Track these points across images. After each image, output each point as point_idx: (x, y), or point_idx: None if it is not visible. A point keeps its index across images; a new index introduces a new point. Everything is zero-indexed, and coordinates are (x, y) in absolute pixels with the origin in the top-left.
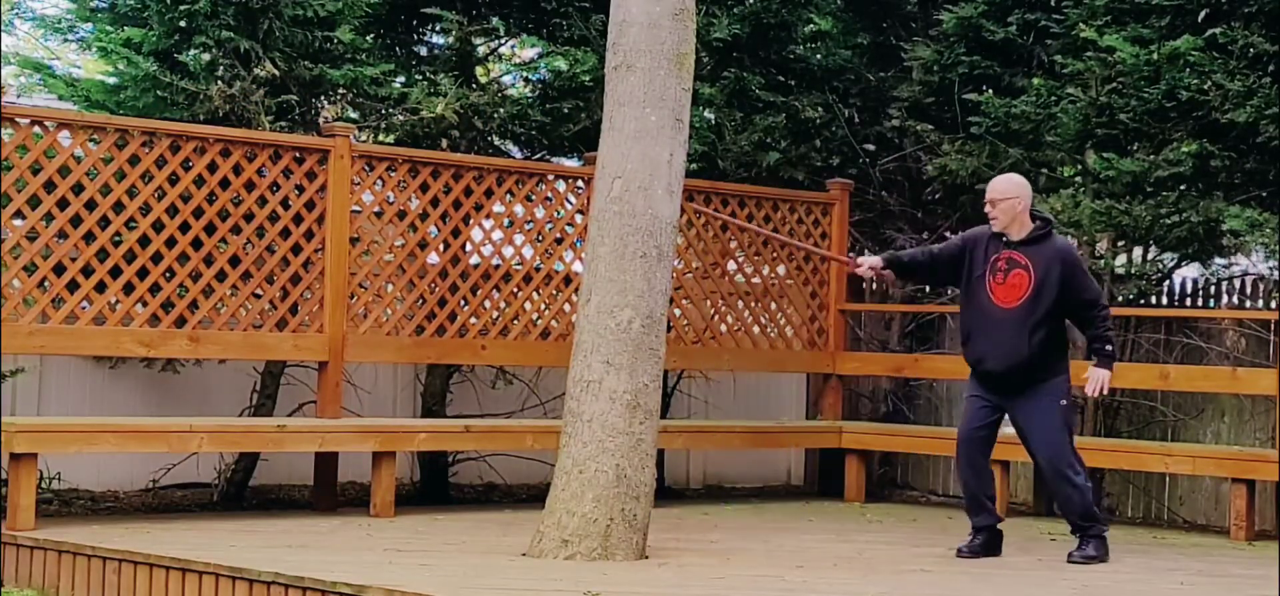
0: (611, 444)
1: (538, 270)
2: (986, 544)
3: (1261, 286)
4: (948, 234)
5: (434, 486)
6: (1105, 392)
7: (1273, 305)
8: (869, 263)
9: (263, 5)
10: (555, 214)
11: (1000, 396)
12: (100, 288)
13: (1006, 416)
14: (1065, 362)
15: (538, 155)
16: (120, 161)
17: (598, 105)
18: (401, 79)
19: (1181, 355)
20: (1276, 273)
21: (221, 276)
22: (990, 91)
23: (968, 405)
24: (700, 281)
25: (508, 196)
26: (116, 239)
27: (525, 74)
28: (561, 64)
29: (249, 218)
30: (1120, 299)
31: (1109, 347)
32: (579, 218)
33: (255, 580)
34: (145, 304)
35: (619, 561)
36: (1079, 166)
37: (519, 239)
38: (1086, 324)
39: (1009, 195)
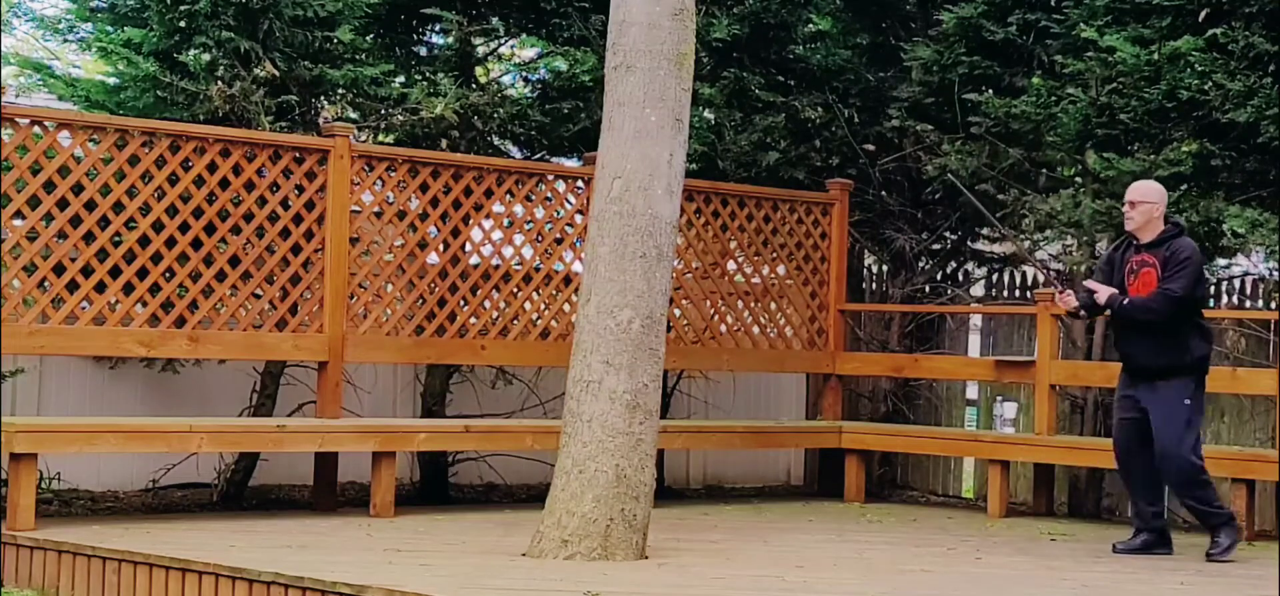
0: (611, 444)
1: (537, 270)
2: (1144, 545)
3: (1261, 287)
4: (948, 234)
5: (434, 486)
6: (1068, 306)
7: (1272, 305)
8: (1064, 300)
9: (263, 5)
10: (555, 214)
11: (1140, 389)
12: (100, 288)
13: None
14: (1195, 363)
15: (537, 155)
16: (120, 161)
17: (597, 105)
18: (401, 79)
19: None
20: (1276, 273)
21: (221, 276)
22: (990, 91)
23: (1115, 408)
24: (700, 281)
25: (507, 196)
26: (116, 239)
27: (525, 74)
28: (561, 64)
29: (249, 218)
30: (1125, 300)
31: (1125, 302)
32: (579, 218)
33: (255, 580)
34: (145, 304)
35: (619, 561)
36: (1079, 166)
37: (519, 239)
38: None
39: (1148, 199)
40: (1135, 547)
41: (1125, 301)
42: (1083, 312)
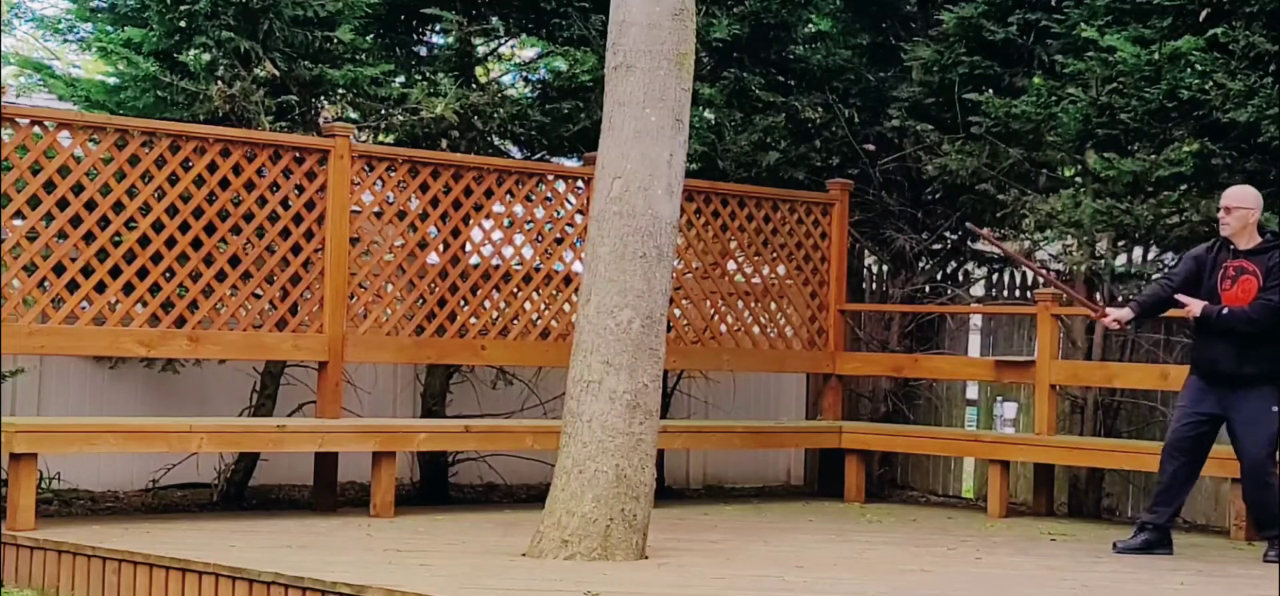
0: (611, 444)
1: (537, 270)
2: (1145, 544)
3: None
4: (948, 234)
5: (434, 486)
6: (1122, 320)
7: None
8: (1115, 314)
9: (263, 5)
10: (555, 214)
11: (1221, 394)
12: (100, 288)
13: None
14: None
15: (537, 155)
16: (120, 161)
17: (597, 105)
18: (401, 79)
19: (1181, 355)
20: None
21: (221, 276)
22: (990, 91)
23: (1178, 412)
24: (700, 281)
25: (507, 196)
26: (116, 239)
27: (525, 74)
28: (561, 64)
29: (249, 218)
30: (1120, 299)
31: (1223, 311)
32: (579, 218)
33: (255, 580)
34: (145, 304)
35: (619, 561)
36: (1079, 166)
37: (519, 239)
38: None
39: (1244, 205)
40: (1135, 546)
41: (1223, 310)
42: (1136, 320)
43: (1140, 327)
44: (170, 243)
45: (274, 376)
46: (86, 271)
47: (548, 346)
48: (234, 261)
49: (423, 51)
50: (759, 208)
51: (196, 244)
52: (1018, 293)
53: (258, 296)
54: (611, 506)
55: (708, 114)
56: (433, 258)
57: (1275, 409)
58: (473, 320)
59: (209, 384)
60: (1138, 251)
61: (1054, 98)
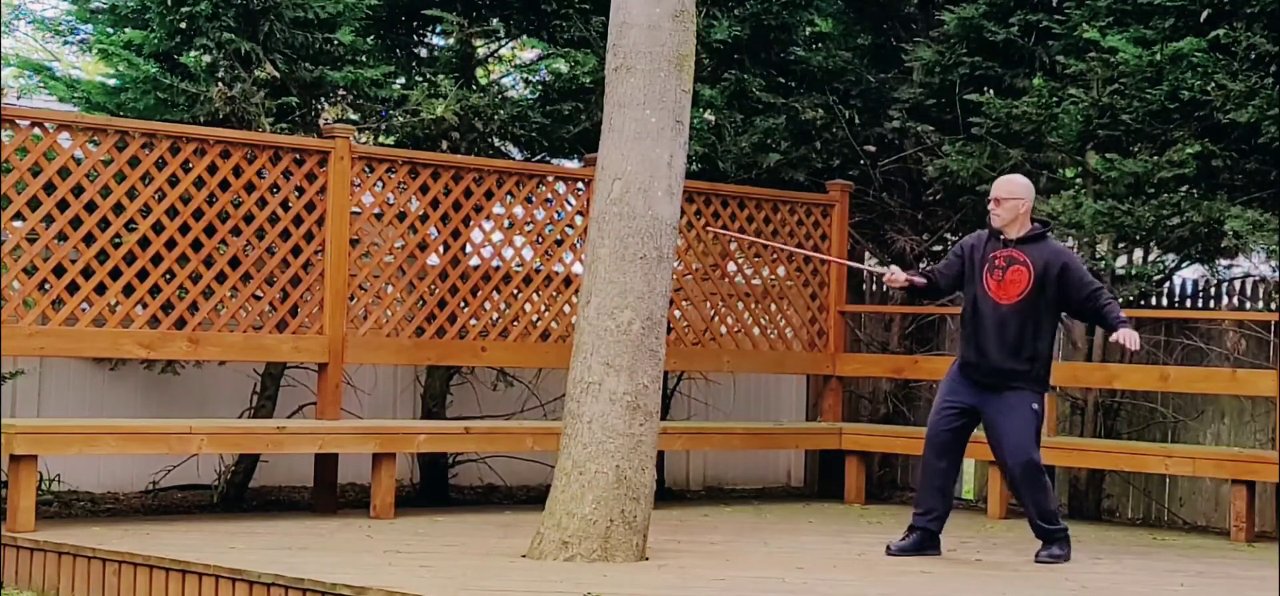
0: (611, 445)
1: (538, 272)
2: (918, 543)
3: (1262, 288)
4: (948, 235)
5: (434, 488)
6: (1135, 344)
7: (1273, 306)
8: (906, 276)
9: (263, 7)
10: (555, 215)
11: (981, 394)
12: (100, 290)
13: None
14: (1049, 367)
15: (538, 157)
16: (120, 163)
17: (598, 107)
18: (402, 81)
19: (1182, 356)
20: (1277, 274)
21: (221, 278)
22: (991, 92)
23: (941, 404)
24: (700, 283)
25: (508, 198)
26: (116, 241)
27: (525, 75)
28: (562, 66)
29: (249, 219)
30: (1120, 300)
31: (1121, 313)
32: (579, 219)
33: (255, 582)
34: (145, 306)
35: (619, 563)
36: (1080, 167)
37: (519, 240)
38: (1096, 311)
39: (1015, 195)
40: (908, 547)
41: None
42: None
43: (1139, 329)
44: (170, 244)
45: (274, 378)
46: (87, 273)
47: (548, 348)
48: (234, 263)
49: (423, 53)
50: (759, 209)
51: (197, 246)
52: None
53: (258, 298)
54: (611, 508)
55: (708, 115)
56: (433, 259)
57: (1036, 407)
58: (473, 322)
59: (209, 385)
60: (1138, 252)
61: (1055, 98)
